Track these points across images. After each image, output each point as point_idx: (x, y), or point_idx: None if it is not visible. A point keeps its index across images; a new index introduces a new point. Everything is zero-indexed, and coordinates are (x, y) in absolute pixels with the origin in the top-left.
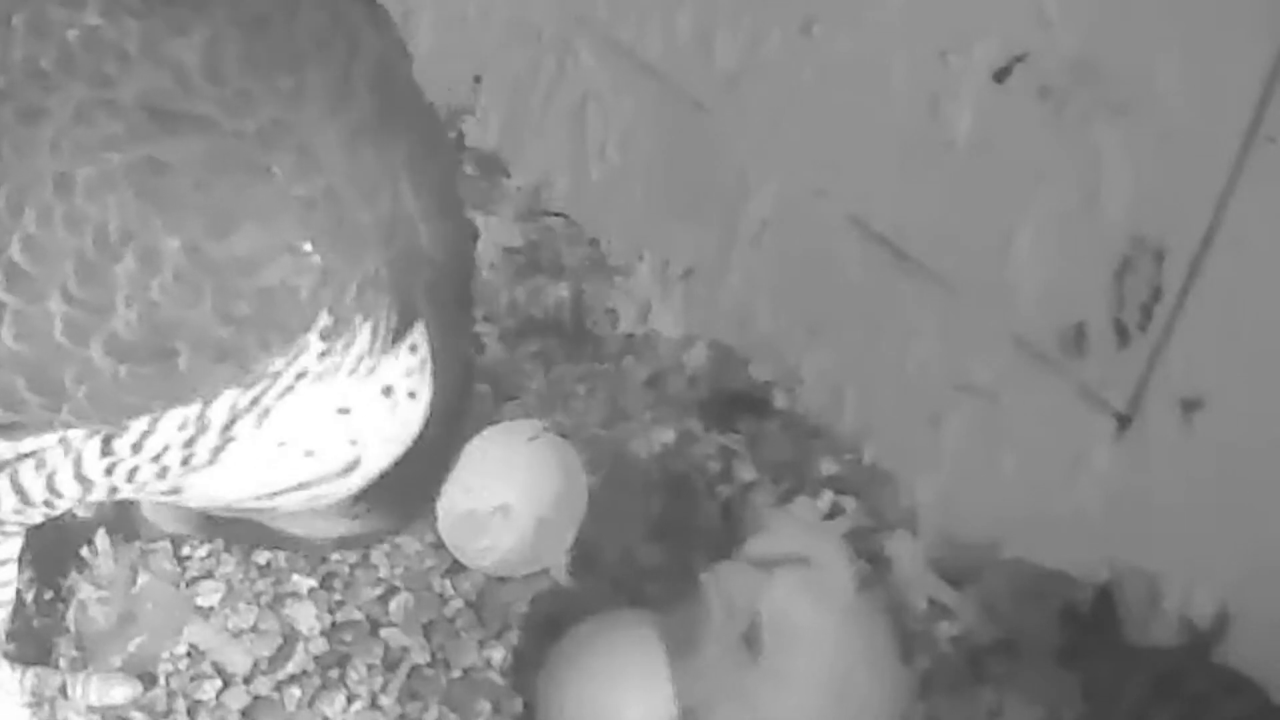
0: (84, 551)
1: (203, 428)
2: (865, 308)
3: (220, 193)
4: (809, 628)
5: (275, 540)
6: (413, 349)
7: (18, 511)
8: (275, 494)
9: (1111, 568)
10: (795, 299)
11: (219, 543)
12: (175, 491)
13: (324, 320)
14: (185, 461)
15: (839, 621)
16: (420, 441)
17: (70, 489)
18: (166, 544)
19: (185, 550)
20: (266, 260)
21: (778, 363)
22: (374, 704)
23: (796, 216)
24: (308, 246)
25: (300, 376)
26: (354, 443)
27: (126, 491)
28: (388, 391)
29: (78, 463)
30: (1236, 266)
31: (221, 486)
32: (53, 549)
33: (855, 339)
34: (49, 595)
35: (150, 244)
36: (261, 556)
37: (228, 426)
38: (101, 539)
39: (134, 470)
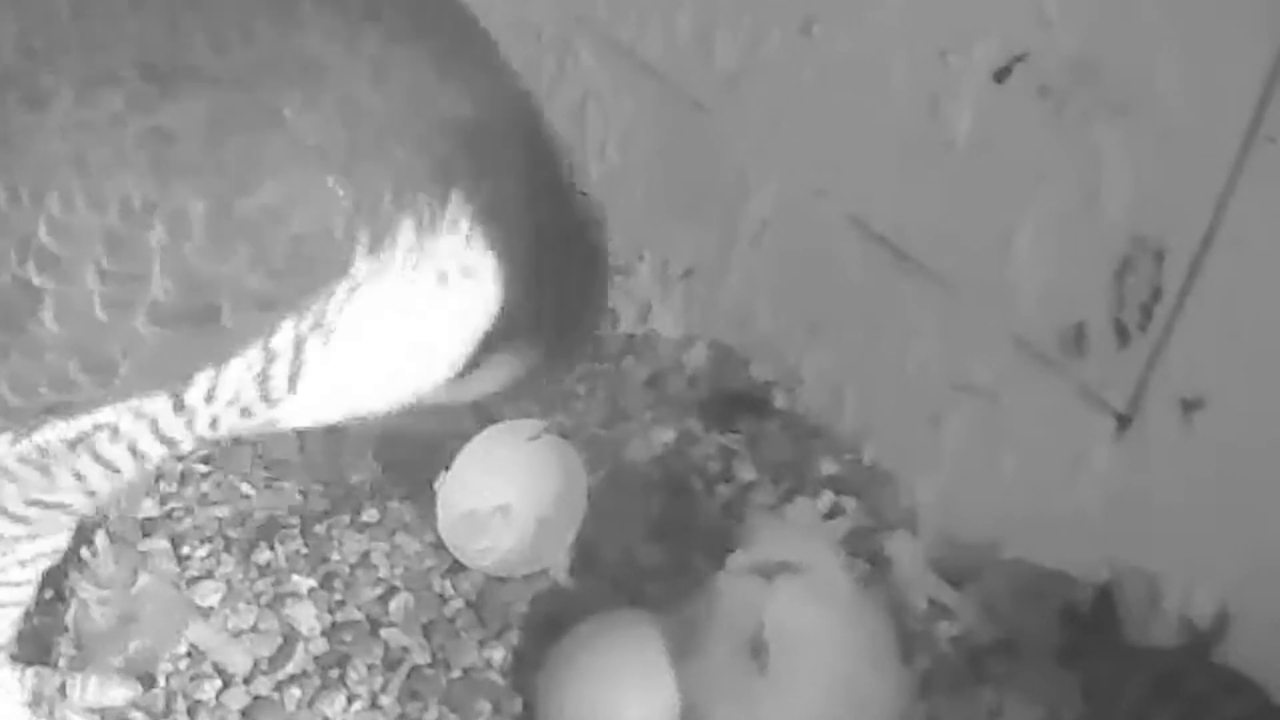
0: (84, 552)
1: (270, 359)
2: (865, 308)
3: (236, 149)
4: (812, 634)
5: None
6: (453, 225)
7: (108, 478)
8: (371, 402)
9: (1111, 568)
10: (795, 299)
11: (219, 542)
12: (270, 423)
13: (364, 239)
14: (265, 397)
15: (840, 626)
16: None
17: (155, 450)
18: (166, 544)
19: (185, 550)
20: (295, 206)
21: (778, 363)
22: (374, 704)
23: (796, 216)
24: (333, 184)
25: (354, 289)
26: (422, 333)
27: (213, 437)
28: (442, 279)
29: (154, 426)
30: (1236, 266)
31: (315, 410)
32: None
33: (855, 339)
34: (49, 595)
35: (176, 209)
36: (262, 556)
37: (296, 352)
38: (101, 539)
39: (215, 418)
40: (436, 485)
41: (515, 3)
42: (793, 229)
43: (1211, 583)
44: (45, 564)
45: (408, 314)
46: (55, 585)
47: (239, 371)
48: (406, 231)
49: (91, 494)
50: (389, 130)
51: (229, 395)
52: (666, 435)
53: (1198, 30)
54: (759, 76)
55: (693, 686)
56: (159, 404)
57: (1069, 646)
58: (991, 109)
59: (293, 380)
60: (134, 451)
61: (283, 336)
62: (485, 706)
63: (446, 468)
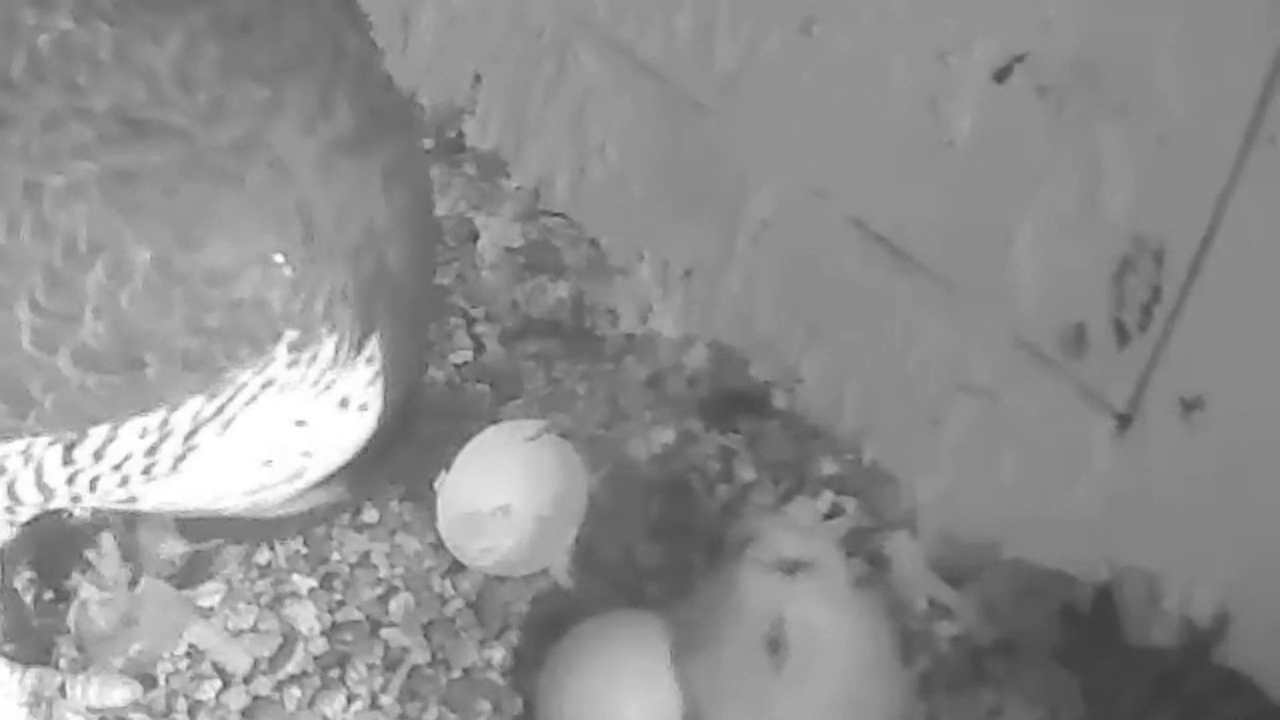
0: (89, 554)
1: (165, 436)
2: (865, 308)
3: (192, 202)
4: (829, 634)
5: (234, 530)
6: (369, 361)
7: None
8: (225, 501)
9: (1111, 568)
10: (795, 299)
11: (219, 543)
12: (132, 500)
13: (291, 334)
14: (146, 470)
15: (853, 626)
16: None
17: (31, 496)
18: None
19: None
20: (237, 272)
21: (778, 363)
22: (374, 704)
23: (796, 216)
24: (279, 258)
25: (266, 386)
26: (307, 453)
27: (88, 500)
28: (344, 403)
29: (39, 471)
30: (1236, 266)
31: (178, 495)
32: (56, 549)
33: (855, 339)
34: (50, 595)
35: (120, 255)
36: (262, 556)
37: (191, 435)
38: (106, 540)
39: (95, 479)
40: (436, 485)
41: (515, 3)
42: (793, 229)
43: (1211, 583)
44: None
45: (301, 430)
46: (57, 586)
47: (134, 436)
48: (328, 351)
49: None
50: (337, 258)
51: (117, 458)
52: (666, 435)
53: (1198, 30)
54: (759, 76)
55: (700, 682)
56: (50, 450)
57: (1069, 646)
58: (991, 109)
59: (177, 461)
60: (11, 493)
61: (184, 414)
62: (485, 706)
63: (446, 468)
